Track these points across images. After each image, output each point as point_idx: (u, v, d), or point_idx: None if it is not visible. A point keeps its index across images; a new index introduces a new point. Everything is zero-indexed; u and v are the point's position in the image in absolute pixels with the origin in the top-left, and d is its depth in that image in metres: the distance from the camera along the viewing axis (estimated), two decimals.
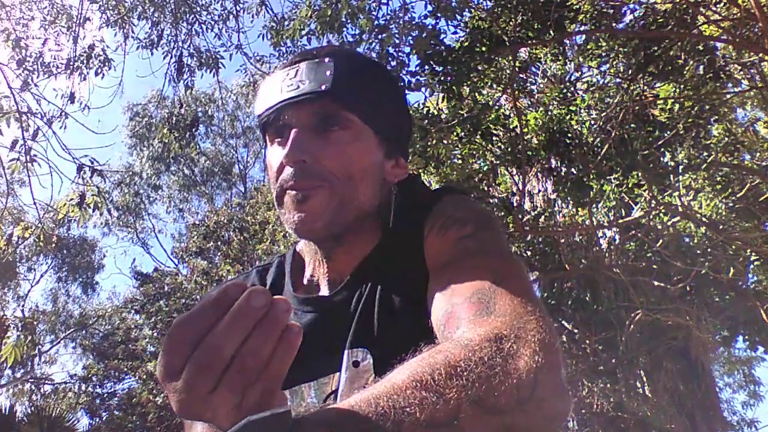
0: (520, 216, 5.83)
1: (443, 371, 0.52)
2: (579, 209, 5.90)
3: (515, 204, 5.96)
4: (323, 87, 0.83)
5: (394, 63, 4.75)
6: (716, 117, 5.31)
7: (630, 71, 5.12)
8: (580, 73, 6.35)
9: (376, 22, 4.93)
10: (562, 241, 6.32)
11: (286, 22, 5.53)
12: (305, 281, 0.93)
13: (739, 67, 5.59)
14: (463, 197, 0.92)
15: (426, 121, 5.07)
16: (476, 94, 5.23)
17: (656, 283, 6.07)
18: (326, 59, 0.86)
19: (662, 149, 5.09)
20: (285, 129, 0.86)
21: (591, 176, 5.22)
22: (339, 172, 0.84)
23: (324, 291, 0.90)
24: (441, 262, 0.76)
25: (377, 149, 0.89)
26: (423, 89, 4.89)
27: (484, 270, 0.70)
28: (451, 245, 0.78)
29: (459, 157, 5.84)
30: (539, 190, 7.03)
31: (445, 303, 0.70)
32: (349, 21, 4.95)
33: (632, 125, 5.09)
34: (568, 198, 5.53)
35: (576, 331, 6.70)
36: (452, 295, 0.70)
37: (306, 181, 0.83)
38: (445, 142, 5.48)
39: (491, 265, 0.71)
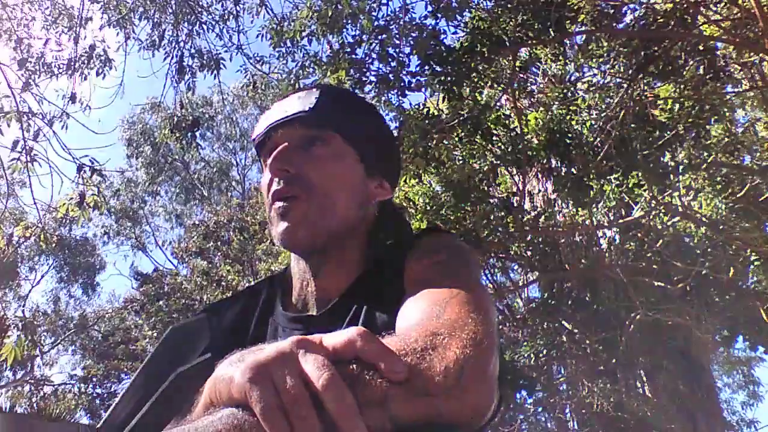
0: (520, 216, 5.84)
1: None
2: (579, 209, 5.91)
3: (515, 204, 5.96)
4: (307, 108, 0.94)
5: (394, 63, 4.76)
6: (716, 117, 5.31)
7: (630, 71, 5.13)
8: (580, 73, 6.35)
9: (376, 22, 4.94)
10: (562, 241, 6.33)
11: (286, 23, 5.54)
12: (295, 300, 0.98)
13: (739, 67, 5.60)
14: (443, 234, 1.00)
15: (426, 121, 5.07)
16: (476, 95, 5.24)
17: (656, 283, 6.07)
18: (313, 89, 0.98)
19: (662, 149, 5.10)
20: (274, 148, 0.95)
21: (591, 176, 5.22)
22: (318, 183, 0.92)
23: (312, 310, 0.95)
24: (414, 281, 0.84)
25: (358, 167, 0.97)
26: (423, 89, 4.91)
27: (447, 288, 0.77)
28: (425, 269, 0.86)
29: (459, 157, 5.85)
30: (539, 190, 7.04)
31: (405, 313, 0.77)
32: (349, 21, 4.96)
33: (632, 125, 5.09)
34: (568, 198, 5.54)
35: (576, 331, 6.71)
36: (413, 306, 0.76)
37: (288, 188, 0.91)
38: (445, 142, 5.49)
39: (454, 285, 0.77)
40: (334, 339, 0.56)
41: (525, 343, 6.76)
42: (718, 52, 5.20)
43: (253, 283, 1.11)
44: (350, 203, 0.95)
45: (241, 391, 0.52)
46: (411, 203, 5.85)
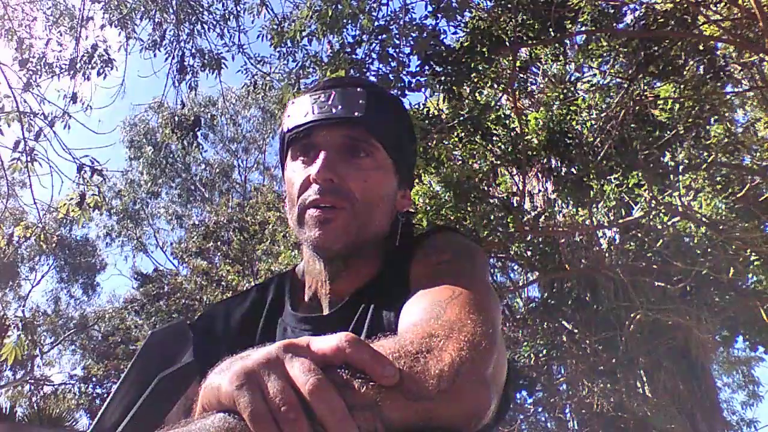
0: (520, 216, 5.84)
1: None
2: (579, 209, 5.91)
3: (515, 204, 5.96)
4: (356, 114, 0.90)
5: (394, 63, 4.76)
6: (716, 117, 5.31)
7: (630, 71, 5.14)
8: (580, 73, 6.36)
9: (376, 22, 4.94)
10: (562, 241, 6.32)
11: (287, 23, 5.55)
12: (306, 300, 0.98)
13: (739, 67, 5.60)
14: (451, 233, 0.99)
15: (426, 121, 5.07)
16: (476, 95, 5.25)
17: (656, 283, 6.08)
18: (358, 89, 0.93)
19: (662, 149, 5.10)
20: (312, 148, 0.91)
21: (591, 176, 5.23)
22: (361, 196, 0.90)
23: (325, 311, 0.95)
24: (417, 281, 0.83)
25: (394, 179, 0.97)
26: (423, 90, 4.90)
27: (449, 288, 0.76)
28: (429, 269, 0.85)
29: (459, 157, 5.85)
30: (539, 190, 7.04)
31: (406, 313, 0.77)
32: (349, 21, 4.96)
33: (632, 125, 5.09)
34: (568, 198, 5.54)
35: (576, 331, 6.71)
36: (414, 307, 0.76)
37: (330, 198, 0.89)
38: (445, 142, 5.49)
39: (458, 285, 0.77)
40: (321, 344, 0.55)
41: (525, 343, 6.76)
42: (718, 52, 5.21)
43: (260, 282, 1.09)
44: (384, 218, 0.95)
45: (229, 398, 0.51)
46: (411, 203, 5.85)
